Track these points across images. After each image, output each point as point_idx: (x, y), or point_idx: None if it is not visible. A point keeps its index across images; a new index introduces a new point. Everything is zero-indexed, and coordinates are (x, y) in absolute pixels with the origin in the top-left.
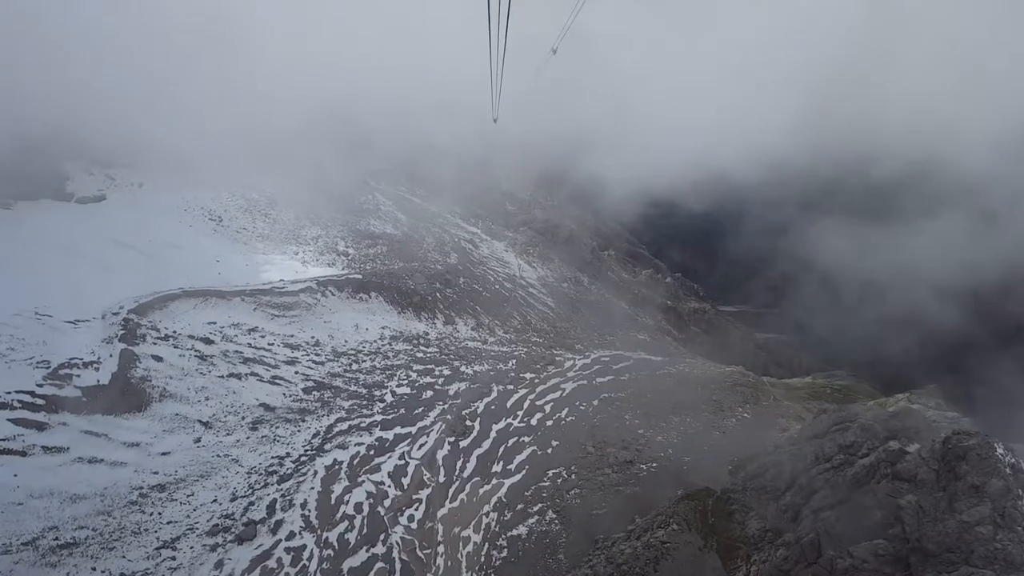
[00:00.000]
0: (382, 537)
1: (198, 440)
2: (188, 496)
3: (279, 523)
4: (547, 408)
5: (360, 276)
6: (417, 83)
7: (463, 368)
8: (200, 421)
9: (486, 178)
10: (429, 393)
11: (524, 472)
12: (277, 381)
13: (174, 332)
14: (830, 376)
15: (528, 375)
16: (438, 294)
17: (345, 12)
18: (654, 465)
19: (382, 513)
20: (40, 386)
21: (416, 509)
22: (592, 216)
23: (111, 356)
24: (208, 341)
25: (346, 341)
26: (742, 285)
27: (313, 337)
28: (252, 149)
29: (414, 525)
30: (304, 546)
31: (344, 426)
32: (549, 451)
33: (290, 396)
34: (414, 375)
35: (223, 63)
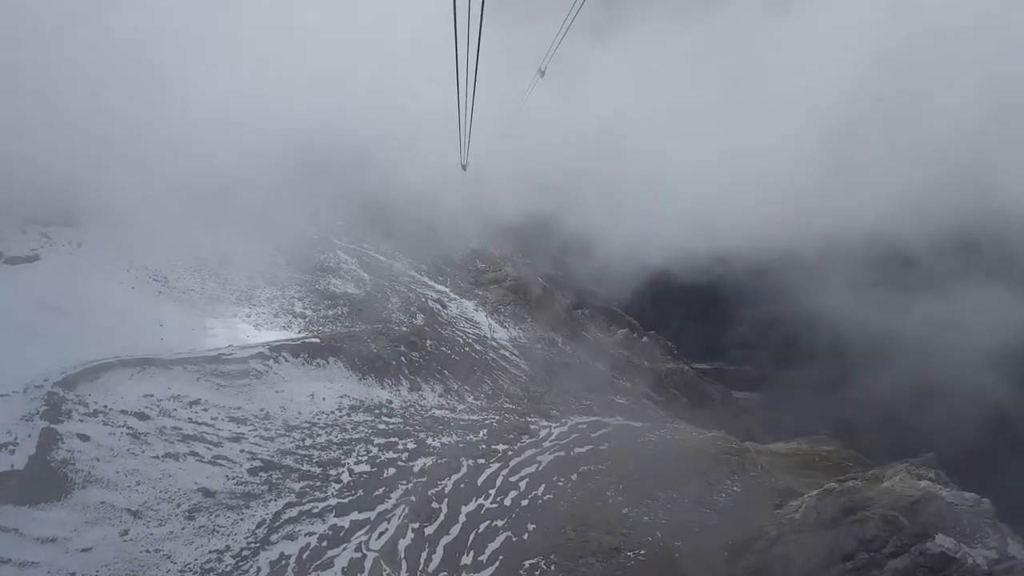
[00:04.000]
0: None
1: (125, 533)
2: None
3: None
4: (522, 485)
5: (318, 340)
6: (383, 129)
7: (429, 440)
8: (128, 510)
9: (455, 233)
10: (391, 471)
11: (497, 564)
12: (219, 461)
13: (105, 407)
14: (814, 440)
15: (501, 447)
16: (403, 358)
17: (301, 43)
18: (642, 552)
19: None
20: None
21: None
22: (564, 273)
23: (30, 436)
24: (143, 416)
25: (299, 413)
26: (729, 345)
27: (263, 409)
28: (202, 202)
29: None
30: None
31: (294, 512)
32: (525, 537)
33: (233, 478)
34: (375, 450)
35: (166, 99)
